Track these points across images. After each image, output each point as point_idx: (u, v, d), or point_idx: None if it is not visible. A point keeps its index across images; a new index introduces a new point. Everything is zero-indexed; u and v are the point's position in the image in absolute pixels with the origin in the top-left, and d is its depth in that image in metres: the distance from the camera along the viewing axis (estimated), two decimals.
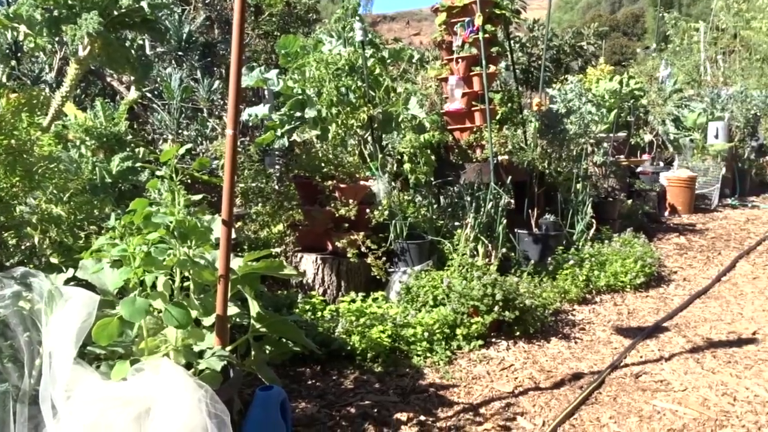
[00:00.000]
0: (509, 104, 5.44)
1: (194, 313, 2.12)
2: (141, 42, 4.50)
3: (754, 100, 9.32)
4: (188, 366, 2.05)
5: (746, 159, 9.24)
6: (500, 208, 4.09)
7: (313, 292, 3.69)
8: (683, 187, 7.55)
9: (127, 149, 3.19)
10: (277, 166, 4.69)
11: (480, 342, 3.36)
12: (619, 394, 2.88)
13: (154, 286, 2.06)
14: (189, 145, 2.76)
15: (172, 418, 1.74)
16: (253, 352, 2.53)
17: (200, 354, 2.11)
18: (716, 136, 8.60)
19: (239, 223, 4.12)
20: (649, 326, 3.74)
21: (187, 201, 1.90)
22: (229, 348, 2.42)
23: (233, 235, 2.41)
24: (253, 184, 4.21)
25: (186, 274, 2.14)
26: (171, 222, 1.85)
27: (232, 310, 2.29)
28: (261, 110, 4.57)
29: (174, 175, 1.87)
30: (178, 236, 1.88)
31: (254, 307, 2.52)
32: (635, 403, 2.80)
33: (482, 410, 2.73)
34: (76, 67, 3.08)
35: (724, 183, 8.55)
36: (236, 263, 2.38)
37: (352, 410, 2.70)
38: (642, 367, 3.20)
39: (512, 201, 5.42)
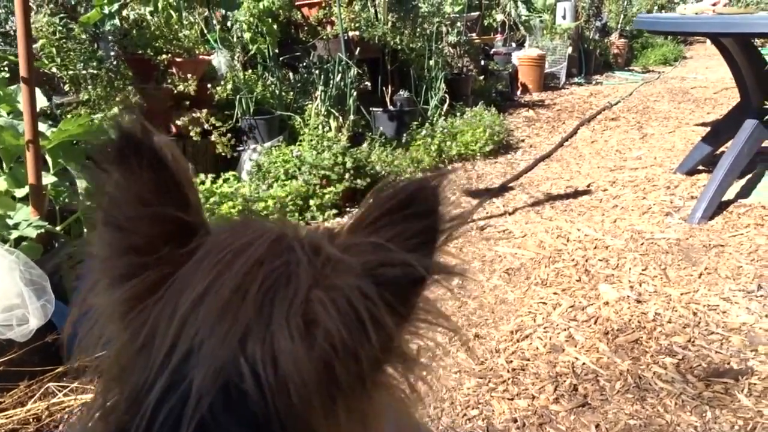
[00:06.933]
0: None
1: (3, 184, 1.94)
2: None
3: None
4: (2, 240, 1.88)
5: (591, 39, 9.70)
6: (350, 80, 4.02)
7: None
8: (533, 66, 7.83)
9: None
10: (113, 53, 4.29)
11: (334, 211, 3.37)
12: (464, 245, 3.02)
13: None
14: None
15: None
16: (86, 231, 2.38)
17: (15, 227, 1.94)
18: (564, 17, 8.92)
19: (70, 113, 3.77)
20: (495, 187, 3.94)
21: None
22: (59, 227, 2.27)
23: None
24: (84, 71, 3.84)
25: None
26: None
27: (49, 179, 2.11)
28: None
29: None
30: None
31: (81, 183, 2.35)
32: (479, 251, 2.97)
33: None
34: None
35: (572, 63, 8.96)
36: (51, 132, 2.17)
37: None
38: (487, 221, 3.38)
39: (367, 81, 5.37)
